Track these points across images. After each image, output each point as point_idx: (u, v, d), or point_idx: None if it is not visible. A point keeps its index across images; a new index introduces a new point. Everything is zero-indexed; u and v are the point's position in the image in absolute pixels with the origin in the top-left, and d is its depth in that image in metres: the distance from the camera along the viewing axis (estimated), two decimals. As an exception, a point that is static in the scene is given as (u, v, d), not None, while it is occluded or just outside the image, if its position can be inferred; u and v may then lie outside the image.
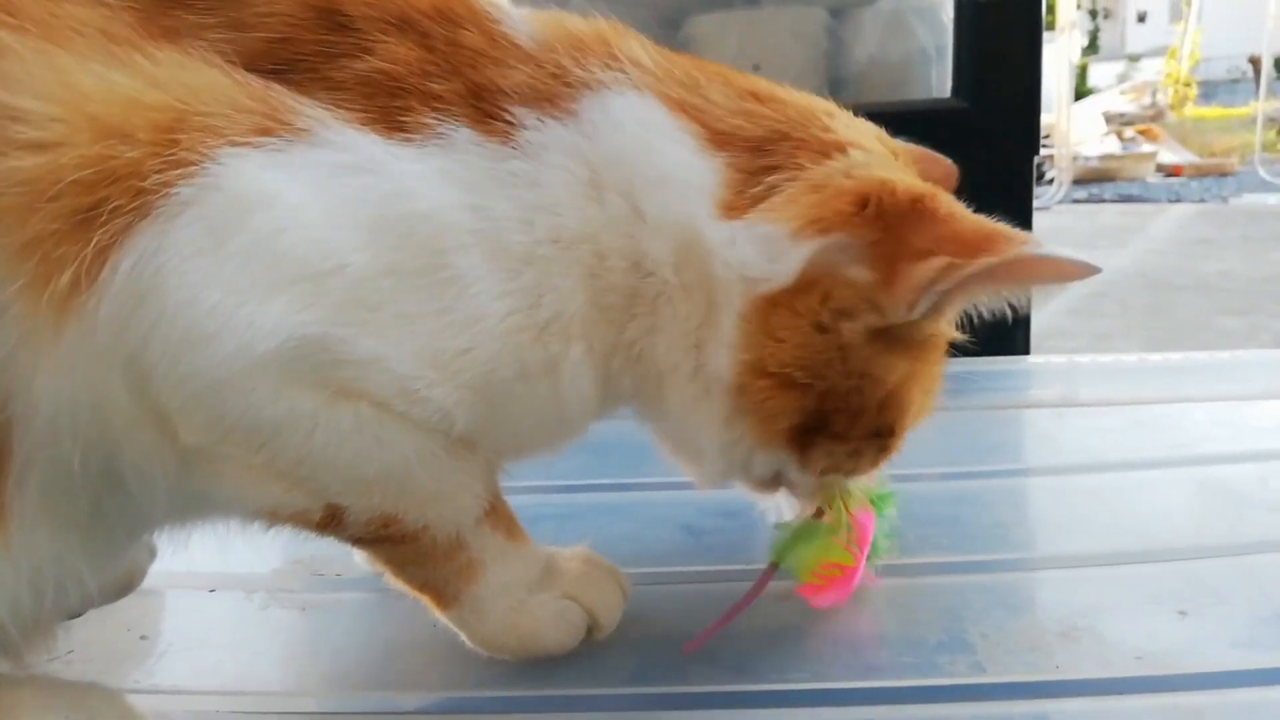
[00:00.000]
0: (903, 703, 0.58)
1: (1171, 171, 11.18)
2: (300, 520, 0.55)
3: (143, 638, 0.70)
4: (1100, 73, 21.13)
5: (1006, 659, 0.61)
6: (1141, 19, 25.46)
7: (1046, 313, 4.76)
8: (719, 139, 0.57)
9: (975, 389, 0.87)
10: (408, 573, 0.61)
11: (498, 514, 0.61)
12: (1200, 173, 11.14)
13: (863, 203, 0.55)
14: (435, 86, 0.53)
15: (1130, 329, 4.51)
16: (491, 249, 0.52)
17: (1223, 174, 11.01)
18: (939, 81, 1.23)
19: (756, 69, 1.34)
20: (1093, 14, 25.98)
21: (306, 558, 0.80)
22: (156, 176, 0.46)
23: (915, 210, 0.55)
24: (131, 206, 0.46)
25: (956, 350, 1.30)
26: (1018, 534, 0.79)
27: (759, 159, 0.57)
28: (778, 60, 1.24)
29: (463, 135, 0.53)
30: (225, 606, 0.75)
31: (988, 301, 0.56)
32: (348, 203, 0.50)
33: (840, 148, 0.58)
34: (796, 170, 0.57)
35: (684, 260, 0.56)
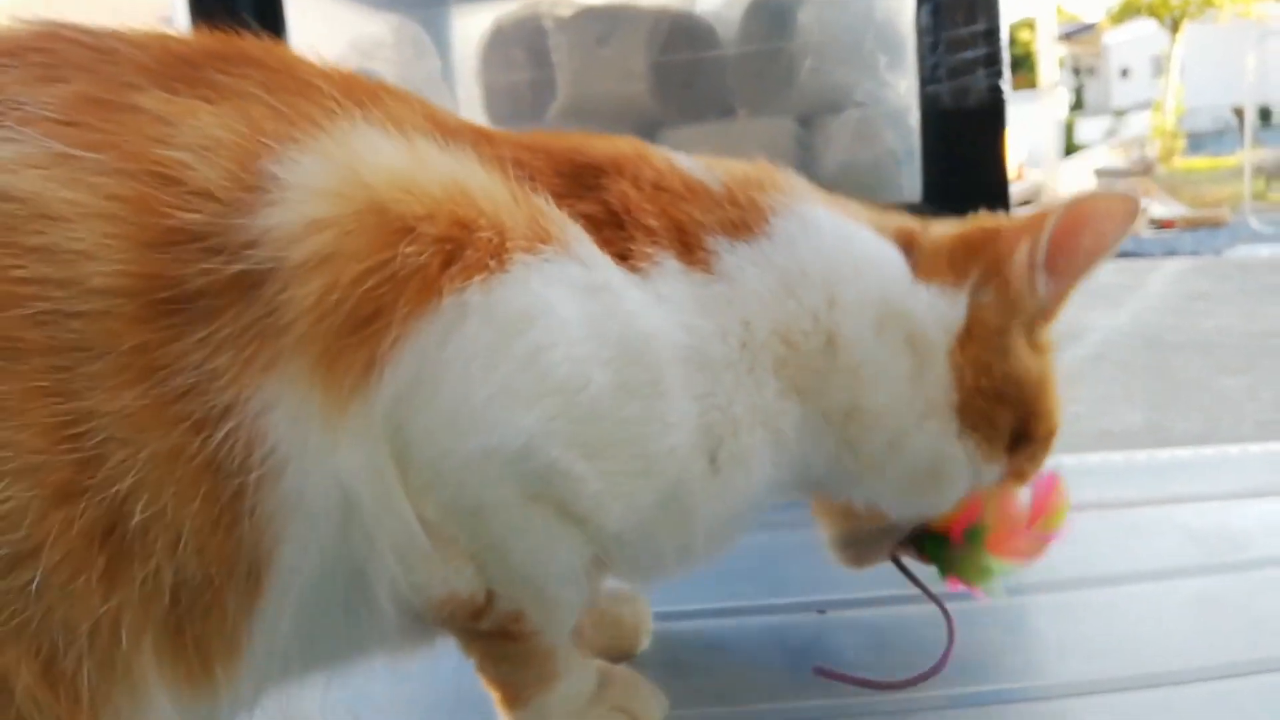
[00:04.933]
0: None
1: (1164, 225, 11.26)
2: (464, 609, 0.58)
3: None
4: (1087, 128, 21.47)
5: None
6: (1125, 74, 25.93)
7: (1046, 377, 4.74)
8: (882, 231, 0.69)
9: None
10: (499, 668, 0.63)
11: (579, 629, 0.66)
12: (1192, 225, 11.20)
13: (967, 249, 0.68)
14: (650, 222, 0.60)
15: (1131, 393, 4.49)
16: (697, 361, 0.59)
17: (1215, 225, 11.07)
18: (909, 184, 1.25)
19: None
20: (1076, 71, 26.49)
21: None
22: (449, 279, 0.51)
23: (984, 236, 0.68)
24: (418, 311, 0.50)
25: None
26: (1010, 660, 0.77)
27: (901, 244, 0.69)
28: (750, 170, 1.22)
29: (672, 265, 0.60)
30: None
31: (1090, 261, 0.67)
32: (597, 320, 0.55)
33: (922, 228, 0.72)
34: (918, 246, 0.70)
35: (885, 327, 0.65)
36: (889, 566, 0.77)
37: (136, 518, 0.44)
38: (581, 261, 0.55)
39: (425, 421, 0.51)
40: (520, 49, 1.36)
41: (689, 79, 1.26)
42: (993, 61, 1.10)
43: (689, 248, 0.61)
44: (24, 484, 0.42)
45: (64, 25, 0.52)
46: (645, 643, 0.81)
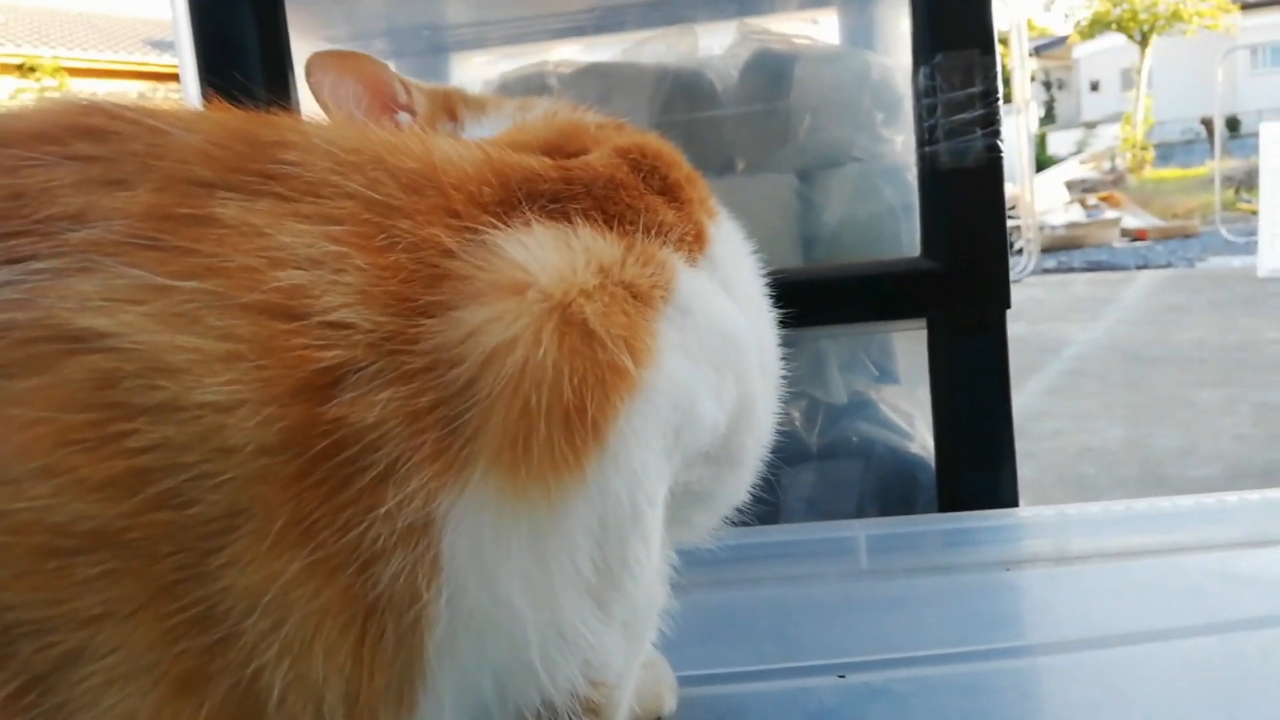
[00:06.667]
0: None
1: (1136, 235, 11.40)
2: (586, 704, 0.54)
3: None
4: (1059, 141, 21.74)
5: None
6: (1095, 88, 26.26)
7: (1027, 393, 4.80)
8: None
9: (965, 544, 0.87)
10: None
11: None
12: (1165, 235, 11.36)
13: None
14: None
15: (1110, 407, 4.55)
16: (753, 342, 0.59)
17: (1186, 235, 11.24)
18: (908, 238, 1.27)
19: (732, 236, 1.38)
20: (1047, 85, 26.81)
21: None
22: (640, 367, 0.47)
23: None
24: (623, 408, 0.46)
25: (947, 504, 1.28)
26: (1022, 724, 0.78)
27: None
28: (750, 224, 1.26)
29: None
30: None
31: None
32: (704, 348, 0.52)
33: None
34: None
35: None
36: (910, 625, 0.78)
37: (275, 689, 0.37)
38: (684, 293, 0.52)
39: (628, 501, 0.47)
40: (524, 106, 1.38)
41: (690, 135, 1.29)
42: (990, 122, 1.13)
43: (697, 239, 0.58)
44: (134, 687, 0.35)
45: (100, 102, 0.43)
46: (673, 703, 0.81)
